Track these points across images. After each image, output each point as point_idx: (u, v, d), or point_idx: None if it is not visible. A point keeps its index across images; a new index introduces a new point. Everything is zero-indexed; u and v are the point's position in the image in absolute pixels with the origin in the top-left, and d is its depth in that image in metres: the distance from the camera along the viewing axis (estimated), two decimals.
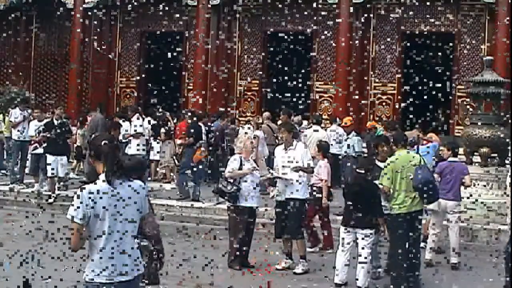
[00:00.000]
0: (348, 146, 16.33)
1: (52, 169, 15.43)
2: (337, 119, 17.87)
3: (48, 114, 18.27)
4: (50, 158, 15.49)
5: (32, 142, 16.72)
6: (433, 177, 9.55)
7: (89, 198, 4.74)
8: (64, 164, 15.68)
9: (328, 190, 11.49)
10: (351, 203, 9.19)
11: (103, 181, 4.80)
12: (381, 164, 9.78)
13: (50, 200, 15.44)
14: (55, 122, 15.86)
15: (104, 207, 4.75)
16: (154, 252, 5.81)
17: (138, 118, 16.92)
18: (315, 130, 15.66)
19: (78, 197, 4.76)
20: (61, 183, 16.16)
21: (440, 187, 10.57)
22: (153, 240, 5.88)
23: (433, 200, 9.52)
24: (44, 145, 15.83)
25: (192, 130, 15.87)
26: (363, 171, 9.22)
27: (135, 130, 16.60)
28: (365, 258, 9.01)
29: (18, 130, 17.07)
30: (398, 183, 9.20)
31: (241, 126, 18.54)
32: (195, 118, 16.53)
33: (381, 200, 9.20)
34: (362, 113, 21.27)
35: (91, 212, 4.74)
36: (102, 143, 4.85)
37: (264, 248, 11.41)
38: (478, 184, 13.24)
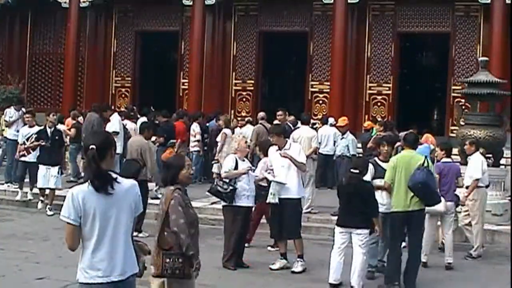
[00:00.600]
0: (344, 146, 16.31)
1: (54, 180, 14.49)
2: (328, 119, 17.89)
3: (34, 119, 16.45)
4: (42, 169, 14.51)
5: (21, 149, 15.23)
6: (430, 180, 9.34)
7: (81, 198, 4.71)
8: (56, 176, 14.54)
9: None
10: (346, 203, 9.21)
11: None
12: (383, 164, 9.84)
13: (40, 206, 14.76)
14: (48, 130, 14.81)
15: (96, 208, 4.71)
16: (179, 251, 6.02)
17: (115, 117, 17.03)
18: (312, 129, 15.70)
19: (71, 197, 4.73)
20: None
21: (440, 188, 10.59)
22: (175, 236, 6.02)
23: (433, 202, 9.48)
24: (33, 153, 14.82)
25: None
26: (357, 171, 9.23)
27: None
28: (360, 258, 9.02)
29: (13, 130, 17.03)
30: (397, 181, 9.27)
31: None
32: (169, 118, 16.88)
33: (376, 200, 9.23)
34: (358, 113, 21.34)
35: (83, 213, 4.71)
36: (90, 147, 4.77)
37: (259, 248, 11.43)
38: None
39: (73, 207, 4.71)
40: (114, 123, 16.62)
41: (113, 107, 23.65)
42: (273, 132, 10.81)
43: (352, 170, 9.32)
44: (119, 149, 14.90)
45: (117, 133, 16.15)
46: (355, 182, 9.16)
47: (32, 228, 12.82)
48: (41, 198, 14.84)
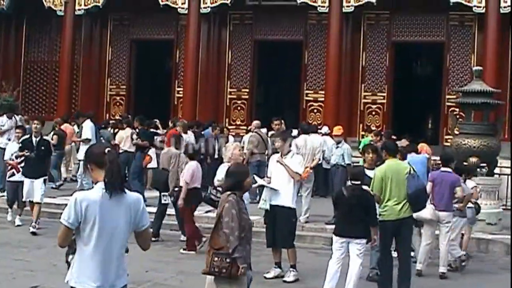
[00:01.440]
0: (339, 155, 16.29)
1: (38, 193, 13.39)
2: (318, 127, 17.94)
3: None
4: (26, 181, 13.39)
5: (9, 167, 14.11)
6: (424, 186, 9.73)
7: (85, 205, 4.72)
8: (41, 188, 13.38)
9: (187, 192, 11.66)
10: (346, 214, 9.15)
11: (103, 189, 4.76)
12: (368, 171, 9.85)
13: (33, 230, 13.09)
14: (33, 140, 13.60)
15: (96, 216, 4.73)
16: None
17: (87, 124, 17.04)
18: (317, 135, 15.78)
19: (74, 202, 4.74)
20: None
21: (433, 197, 10.61)
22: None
23: (421, 208, 9.60)
24: (21, 164, 13.68)
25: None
26: (358, 182, 9.21)
27: (80, 136, 17.06)
28: (357, 267, 9.01)
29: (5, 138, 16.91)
30: (387, 191, 9.28)
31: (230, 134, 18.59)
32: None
33: (375, 209, 9.23)
34: (353, 122, 21.38)
35: (83, 219, 4.72)
36: (106, 150, 4.84)
37: (253, 257, 11.39)
38: None
39: (74, 212, 4.73)
40: (86, 131, 16.61)
41: (108, 115, 23.77)
42: (279, 137, 10.76)
43: (353, 182, 9.29)
44: None
45: (89, 140, 16.18)
46: (359, 194, 9.14)
47: (26, 236, 12.78)
48: (19, 212, 13.83)
